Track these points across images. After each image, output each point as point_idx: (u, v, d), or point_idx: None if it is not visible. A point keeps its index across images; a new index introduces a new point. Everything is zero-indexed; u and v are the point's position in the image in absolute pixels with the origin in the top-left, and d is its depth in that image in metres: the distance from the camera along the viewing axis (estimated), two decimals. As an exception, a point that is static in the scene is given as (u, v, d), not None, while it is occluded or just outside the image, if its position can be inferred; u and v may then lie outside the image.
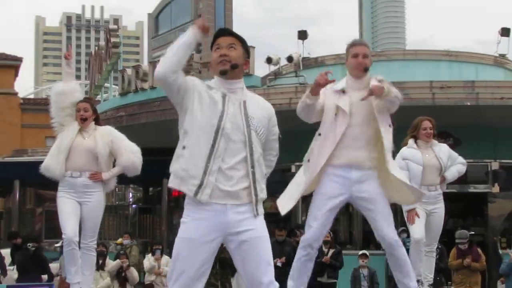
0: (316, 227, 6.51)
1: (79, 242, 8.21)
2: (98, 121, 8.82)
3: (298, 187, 6.63)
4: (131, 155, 8.58)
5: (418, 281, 8.77)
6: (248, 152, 4.94)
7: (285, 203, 6.61)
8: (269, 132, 5.25)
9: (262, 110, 5.22)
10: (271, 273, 5.05)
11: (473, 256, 14.77)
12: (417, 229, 8.64)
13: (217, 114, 4.96)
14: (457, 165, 9.24)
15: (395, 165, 6.61)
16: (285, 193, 6.73)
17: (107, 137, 8.63)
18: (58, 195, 8.52)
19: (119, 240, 19.55)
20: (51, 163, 8.56)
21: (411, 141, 9.03)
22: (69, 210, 8.43)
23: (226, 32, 5.33)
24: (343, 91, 6.48)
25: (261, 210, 5.00)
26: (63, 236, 8.48)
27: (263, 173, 5.09)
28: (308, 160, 6.62)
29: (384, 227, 6.45)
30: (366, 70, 6.50)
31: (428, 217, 8.87)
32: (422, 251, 8.84)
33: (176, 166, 4.98)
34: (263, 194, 5.02)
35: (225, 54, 5.11)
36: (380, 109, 6.42)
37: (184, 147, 4.95)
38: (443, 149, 9.06)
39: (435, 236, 9.16)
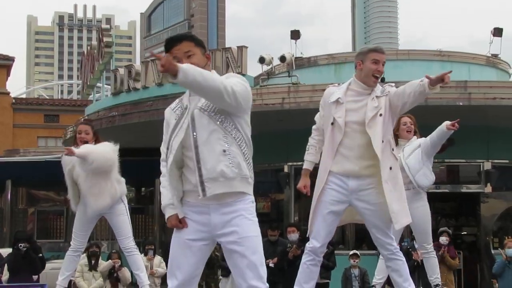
0: (322, 236, 6.58)
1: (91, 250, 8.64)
2: (98, 141, 9.00)
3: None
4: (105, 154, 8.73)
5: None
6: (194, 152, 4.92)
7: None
8: None
9: None
10: (257, 275, 4.95)
11: (449, 253, 14.82)
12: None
13: (171, 133, 5.06)
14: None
15: (393, 184, 6.44)
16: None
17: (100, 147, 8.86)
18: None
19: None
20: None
21: None
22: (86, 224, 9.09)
23: (175, 40, 5.09)
24: (337, 101, 6.44)
25: (223, 187, 4.87)
26: (73, 242, 9.13)
27: (220, 150, 4.87)
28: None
29: (382, 235, 6.52)
30: (382, 80, 6.63)
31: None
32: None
33: None
34: (219, 168, 4.86)
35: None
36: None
37: None
38: (412, 144, 8.77)
39: (423, 237, 8.97)
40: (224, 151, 4.85)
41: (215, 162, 4.83)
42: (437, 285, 9.09)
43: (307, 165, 6.79)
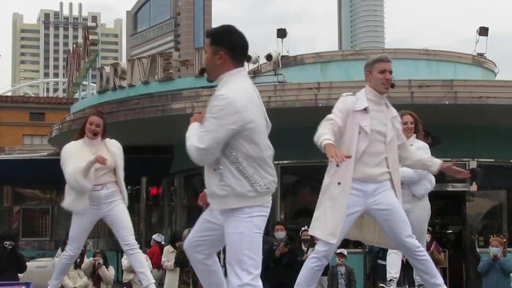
0: (335, 242, 6.56)
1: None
2: (104, 135, 8.80)
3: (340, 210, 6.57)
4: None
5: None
6: None
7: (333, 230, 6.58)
8: None
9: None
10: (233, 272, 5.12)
11: (435, 249, 14.89)
12: None
13: None
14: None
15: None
16: (328, 221, 6.59)
17: (113, 149, 8.76)
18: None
19: None
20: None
21: None
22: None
23: (206, 35, 5.30)
24: (365, 110, 6.60)
25: (217, 205, 5.21)
26: (70, 247, 8.89)
27: (211, 170, 5.17)
28: (339, 183, 6.53)
29: (402, 234, 6.60)
30: (392, 86, 6.72)
31: (408, 216, 8.73)
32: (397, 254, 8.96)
33: None
34: (211, 188, 5.19)
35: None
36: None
37: None
38: (413, 147, 8.41)
39: (417, 236, 8.98)
40: (215, 170, 5.08)
41: (208, 182, 5.17)
42: (420, 284, 9.05)
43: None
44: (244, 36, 5.21)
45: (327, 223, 6.51)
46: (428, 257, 6.79)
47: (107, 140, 8.74)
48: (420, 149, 8.29)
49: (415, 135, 8.73)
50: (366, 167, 6.51)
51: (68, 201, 8.69)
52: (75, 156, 8.51)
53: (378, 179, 6.56)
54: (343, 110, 6.63)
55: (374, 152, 6.56)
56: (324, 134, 6.32)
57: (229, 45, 5.12)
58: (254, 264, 5.07)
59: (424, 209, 8.71)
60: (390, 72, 6.71)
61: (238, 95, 5.02)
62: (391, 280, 9.16)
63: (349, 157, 6.11)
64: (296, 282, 6.70)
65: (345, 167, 6.37)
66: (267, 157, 5.16)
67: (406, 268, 13.93)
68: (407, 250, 6.70)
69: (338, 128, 6.50)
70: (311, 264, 6.64)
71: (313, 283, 6.71)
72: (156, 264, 17.14)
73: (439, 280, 6.76)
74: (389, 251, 9.01)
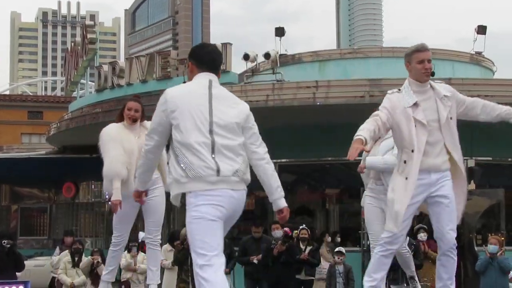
0: (396, 231, 6.71)
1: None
2: (143, 118, 8.53)
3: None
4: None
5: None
6: None
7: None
8: None
9: None
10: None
11: (430, 248, 14.87)
12: (381, 230, 8.23)
13: None
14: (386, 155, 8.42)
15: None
16: (391, 210, 6.78)
17: None
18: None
19: None
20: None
21: None
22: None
23: None
24: (415, 104, 6.67)
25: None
26: (113, 236, 8.74)
27: None
28: (406, 178, 6.66)
29: (447, 225, 6.74)
30: (432, 75, 6.81)
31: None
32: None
33: None
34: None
35: None
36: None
37: None
38: (389, 141, 8.29)
39: None
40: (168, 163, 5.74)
41: None
42: (411, 277, 9.06)
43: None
44: (209, 49, 6.08)
45: (391, 213, 6.71)
46: (454, 260, 6.88)
47: (146, 123, 8.35)
48: (383, 145, 8.41)
49: None
50: (429, 157, 6.62)
51: (107, 186, 8.43)
52: (117, 140, 8.28)
53: (441, 168, 6.68)
54: (388, 107, 6.69)
55: (434, 141, 6.66)
56: (361, 130, 6.41)
57: (193, 56, 5.98)
58: (207, 246, 5.44)
59: None
60: (429, 61, 6.85)
61: (174, 89, 5.82)
62: (411, 277, 9.20)
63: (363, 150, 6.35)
64: (366, 270, 6.93)
65: (411, 162, 6.56)
66: (197, 144, 5.52)
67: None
68: (444, 243, 6.76)
69: (382, 123, 6.57)
70: (376, 251, 6.88)
71: (381, 271, 6.87)
72: None
73: (452, 286, 6.90)
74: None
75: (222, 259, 5.49)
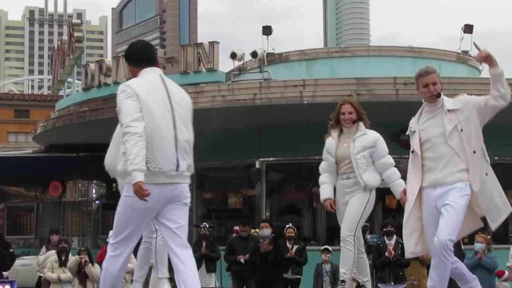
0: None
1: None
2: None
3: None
4: None
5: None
6: None
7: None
8: None
9: None
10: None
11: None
12: (343, 225, 8.23)
13: None
14: (392, 169, 8.27)
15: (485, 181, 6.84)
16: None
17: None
18: None
19: None
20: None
21: (333, 130, 8.43)
22: None
23: None
24: (413, 132, 7.00)
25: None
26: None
27: None
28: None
29: (437, 229, 6.61)
30: (438, 96, 6.94)
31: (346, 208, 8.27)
32: (348, 250, 8.24)
33: None
34: None
35: None
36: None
37: None
38: (365, 138, 8.20)
39: (344, 222, 8.27)
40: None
41: None
42: (343, 281, 8.26)
43: None
44: (139, 46, 6.38)
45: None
46: (444, 263, 6.67)
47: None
48: (378, 141, 8.22)
49: (361, 123, 8.29)
50: (433, 173, 6.77)
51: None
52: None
53: (446, 181, 6.69)
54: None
55: (438, 156, 6.77)
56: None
57: (128, 58, 6.33)
58: (114, 232, 5.97)
59: (362, 197, 8.17)
60: (434, 83, 6.96)
61: (133, 81, 6.03)
62: (363, 286, 8.59)
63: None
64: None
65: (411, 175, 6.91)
66: (157, 138, 5.72)
67: (391, 264, 14.02)
68: (434, 246, 6.64)
69: None
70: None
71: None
72: None
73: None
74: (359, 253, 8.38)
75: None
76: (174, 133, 5.79)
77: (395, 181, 8.08)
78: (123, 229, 5.91)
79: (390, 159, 8.24)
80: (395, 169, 8.17)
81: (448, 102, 6.94)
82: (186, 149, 5.86)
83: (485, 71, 26.72)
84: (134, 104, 5.72)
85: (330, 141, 8.33)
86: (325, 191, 8.38)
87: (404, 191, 7.06)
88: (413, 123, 7.08)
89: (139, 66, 6.13)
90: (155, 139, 5.68)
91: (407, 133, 7.10)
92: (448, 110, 6.88)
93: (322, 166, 8.51)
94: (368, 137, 8.16)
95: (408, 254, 7.05)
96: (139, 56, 6.19)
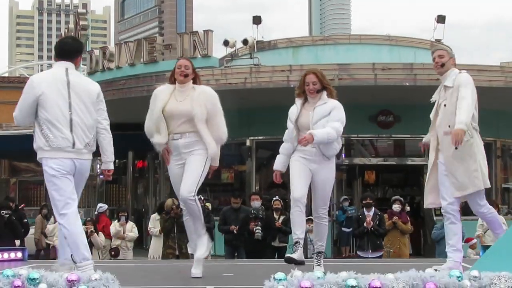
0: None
1: None
2: (195, 81, 7.72)
3: None
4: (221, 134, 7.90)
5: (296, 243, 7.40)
6: None
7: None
8: None
9: None
10: None
11: (402, 219, 14.90)
12: (298, 186, 7.48)
13: None
14: (327, 127, 7.39)
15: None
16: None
17: (204, 98, 7.59)
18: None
19: None
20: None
21: (298, 99, 7.84)
22: None
23: None
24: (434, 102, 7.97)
25: None
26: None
27: None
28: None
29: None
30: (442, 65, 7.83)
31: (313, 177, 7.57)
32: (301, 212, 7.47)
33: None
34: None
35: None
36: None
37: None
38: (324, 107, 7.53)
39: (321, 201, 7.73)
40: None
41: None
42: (320, 252, 7.75)
43: None
44: (58, 42, 7.25)
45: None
46: (451, 221, 7.71)
47: (197, 87, 7.70)
48: (334, 109, 7.47)
49: (324, 92, 7.61)
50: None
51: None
52: (160, 99, 7.56)
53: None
54: None
55: (441, 123, 7.67)
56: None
57: (55, 51, 6.99)
58: (57, 203, 6.61)
59: (331, 170, 7.64)
60: (440, 56, 7.89)
61: (38, 76, 6.89)
62: (297, 242, 7.52)
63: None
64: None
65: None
66: (56, 121, 6.55)
67: (369, 234, 14.06)
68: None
69: None
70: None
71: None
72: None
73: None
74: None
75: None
76: (69, 117, 6.56)
77: (318, 131, 7.34)
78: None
79: (336, 123, 7.42)
80: (330, 130, 7.34)
81: (449, 77, 7.77)
82: (84, 130, 6.65)
83: (456, 55, 26.78)
84: (27, 99, 6.76)
85: (293, 109, 7.83)
86: (278, 162, 7.94)
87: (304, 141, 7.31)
88: (434, 94, 7.99)
89: (57, 58, 6.86)
90: (53, 122, 6.56)
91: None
92: (445, 86, 7.70)
93: (285, 135, 8.05)
94: (327, 106, 7.51)
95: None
96: (56, 50, 6.94)
